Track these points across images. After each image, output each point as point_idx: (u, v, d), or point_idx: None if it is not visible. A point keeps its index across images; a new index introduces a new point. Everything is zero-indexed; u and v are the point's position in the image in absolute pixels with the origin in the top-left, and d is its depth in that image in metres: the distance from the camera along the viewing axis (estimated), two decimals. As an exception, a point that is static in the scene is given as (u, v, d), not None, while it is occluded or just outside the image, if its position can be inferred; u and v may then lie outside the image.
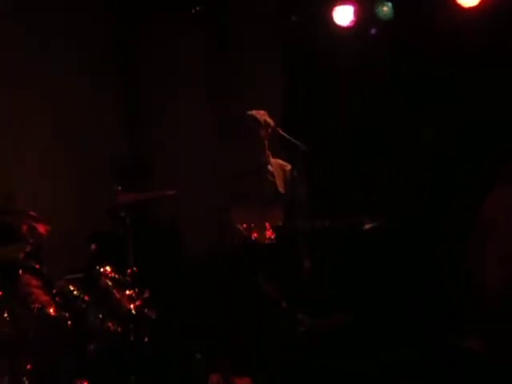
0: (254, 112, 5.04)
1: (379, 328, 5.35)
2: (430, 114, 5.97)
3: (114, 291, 4.24)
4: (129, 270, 4.31)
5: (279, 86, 6.34)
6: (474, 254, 4.46)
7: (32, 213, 4.14)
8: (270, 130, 5.02)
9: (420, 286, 5.64)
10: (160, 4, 6.05)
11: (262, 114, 5.04)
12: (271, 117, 5.04)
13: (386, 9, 5.82)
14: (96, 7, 5.93)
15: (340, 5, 5.86)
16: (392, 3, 5.80)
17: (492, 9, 5.48)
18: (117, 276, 4.31)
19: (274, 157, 5.17)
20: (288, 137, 4.99)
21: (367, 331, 5.28)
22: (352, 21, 5.86)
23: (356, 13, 5.84)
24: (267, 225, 4.86)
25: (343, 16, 5.87)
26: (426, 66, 5.93)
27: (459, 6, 5.54)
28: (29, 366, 3.77)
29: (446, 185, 5.88)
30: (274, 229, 4.89)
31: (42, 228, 4.11)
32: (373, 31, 6.03)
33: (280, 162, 5.18)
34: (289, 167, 5.14)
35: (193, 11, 5.99)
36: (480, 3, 5.48)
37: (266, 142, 5.06)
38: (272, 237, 4.84)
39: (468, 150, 5.78)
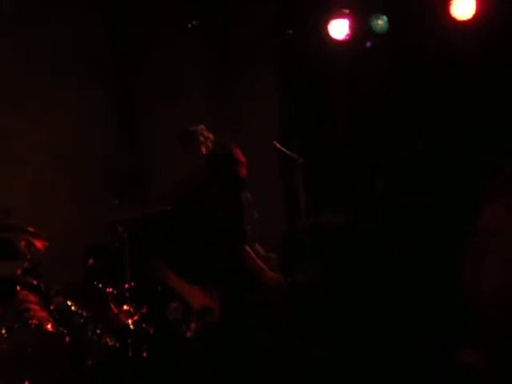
0: (191, 128, 5.00)
1: (378, 342, 5.35)
2: (426, 125, 6.01)
3: (112, 306, 4.24)
4: (126, 285, 4.31)
5: (277, 99, 6.37)
6: (470, 266, 4.45)
7: (30, 228, 4.13)
8: (210, 144, 5.03)
9: (419, 297, 5.64)
10: (160, 17, 6.08)
11: (201, 129, 5.04)
12: (209, 130, 5.03)
13: (380, 22, 5.86)
14: (95, 21, 5.94)
15: (335, 18, 5.90)
16: (387, 17, 5.85)
17: (486, 22, 5.52)
18: (114, 291, 4.31)
19: None
20: (285, 150, 5.00)
21: (365, 345, 5.28)
22: (347, 34, 5.91)
23: (351, 26, 5.88)
24: None
25: (338, 29, 5.92)
26: (422, 78, 5.96)
27: (454, 19, 5.59)
28: (26, 383, 3.77)
29: (443, 193, 5.91)
30: None
31: (39, 244, 4.10)
32: (368, 44, 6.07)
33: None
34: None
35: (189, 25, 6.02)
36: (474, 16, 5.53)
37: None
38: None
39: (465, 158, 5.81)
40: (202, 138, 4.96)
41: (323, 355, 4.78)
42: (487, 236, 4.29)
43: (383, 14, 5.83)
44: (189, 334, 4.27)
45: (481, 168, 5.43)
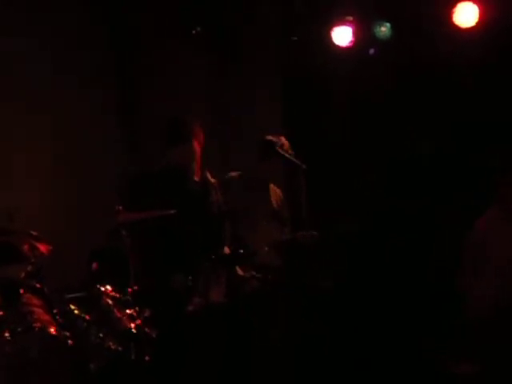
0: (274, 138, 5.01)
1: (371, 352, 5.36)
2: (428, 132, 6.03)
3: (115, 310, 4.24)
4: (129, 289, 4.31)
5: (280, 106, 6.39)
6: (464, 276, 4.45)
7: (33, 232, 4.14)
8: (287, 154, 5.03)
9: (412, 308, 5.66)
10: (160, 16, 6.09)
11: (281, 140, 5.03)
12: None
13: (384, 29, 5.90)
14: (96, 21, 5.95)
15: (339, 26, 5.92)
16: (390, 24, 5.87)
17: (489, 30, 5.54)
18: (117, 295, 4.31)
19: None
20: (289, 156, 5.02)
21: (359, 357, 5.28)
22: (351, 41, 5.93)
23: (354, 33, 5.91)
24: None
25: (342, 37, 5.94)
26: (425, 85, 5.99)
27: (457, 27, 5.62)
28: (30, 386, 3.77)
29: (444, 201, 5.92)
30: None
31: (43, 248, 4.11)
32: (371, 51, 6.10)
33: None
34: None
35: (193, 32, 6.03)
36: (477, 24, 5.55)
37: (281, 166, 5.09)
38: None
39: (464, 166, 5.83)
40: (280, 150, 4.98)
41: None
42: (482, 248, 4.29)
43: (386, 21, 5.86)
44: (190, 308, 4.31)
45: (476, 169, 5.46)
